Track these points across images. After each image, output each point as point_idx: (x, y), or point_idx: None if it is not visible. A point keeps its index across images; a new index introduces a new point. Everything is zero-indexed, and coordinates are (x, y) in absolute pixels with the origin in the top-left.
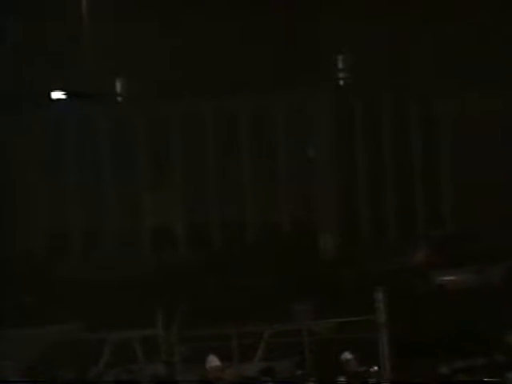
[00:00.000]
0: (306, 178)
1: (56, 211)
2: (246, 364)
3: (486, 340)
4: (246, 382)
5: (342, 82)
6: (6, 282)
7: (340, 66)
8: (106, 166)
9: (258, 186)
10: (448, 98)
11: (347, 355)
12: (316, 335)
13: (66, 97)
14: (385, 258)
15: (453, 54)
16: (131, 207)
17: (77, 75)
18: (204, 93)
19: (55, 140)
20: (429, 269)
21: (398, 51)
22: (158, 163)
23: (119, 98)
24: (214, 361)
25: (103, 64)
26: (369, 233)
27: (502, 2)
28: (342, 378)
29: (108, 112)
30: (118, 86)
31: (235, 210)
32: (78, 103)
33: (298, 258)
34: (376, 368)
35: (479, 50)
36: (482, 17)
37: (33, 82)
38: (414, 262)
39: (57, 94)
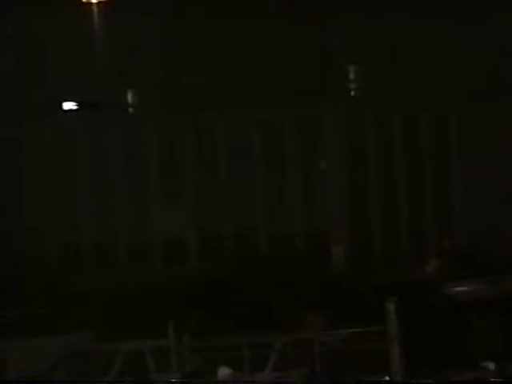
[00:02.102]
0: (318, 191)
1: (67, 221)
2: (258, 374)
3: (497, 350)
4: None
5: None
6: (18, 291)
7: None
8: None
9: (271, 197)
10: (461, 108)
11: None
12: (327, 346)
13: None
14: (396, 269)
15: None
16: (144, 217)
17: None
18: (215, 103)
19: (67, 150)
20: (440, 280)
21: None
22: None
23: (130, 109)
24: (226, 370)
25: (112, 75)
26: (380, 245)
27: None
28: None
29: (119, 122)
30: (129, 97)
31: (247, 222)
32: (90, 113)
33: (310, 270)
34: (387, 378)
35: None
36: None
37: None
38: (425, 274)
39: (68, 105)
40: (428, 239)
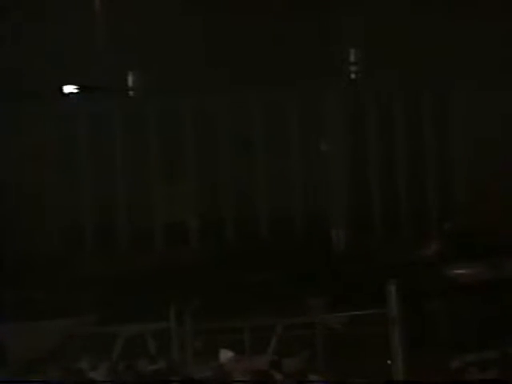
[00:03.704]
0: (319, 172)
1: (68, 205)
2: (259, 357)
3: (498, 334)
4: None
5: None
6: (20, 275)
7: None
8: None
9: (271, 180)
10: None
11: None
12: (329, 329)
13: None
14: (397, 251)
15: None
16: (145, 201)
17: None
18: (216, 86)
19: (67, 134)
20: (441, 262)
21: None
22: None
23: (132, 92)
24: (227, 353)
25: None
26: (380, 226)
27: None
28: None
29: (121, 105)
30: (131, 80)
31: (247, 205)
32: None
33: (310, 252)
34: (389, 362)
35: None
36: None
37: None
38: (426, 256)
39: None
40: (429, 221)
